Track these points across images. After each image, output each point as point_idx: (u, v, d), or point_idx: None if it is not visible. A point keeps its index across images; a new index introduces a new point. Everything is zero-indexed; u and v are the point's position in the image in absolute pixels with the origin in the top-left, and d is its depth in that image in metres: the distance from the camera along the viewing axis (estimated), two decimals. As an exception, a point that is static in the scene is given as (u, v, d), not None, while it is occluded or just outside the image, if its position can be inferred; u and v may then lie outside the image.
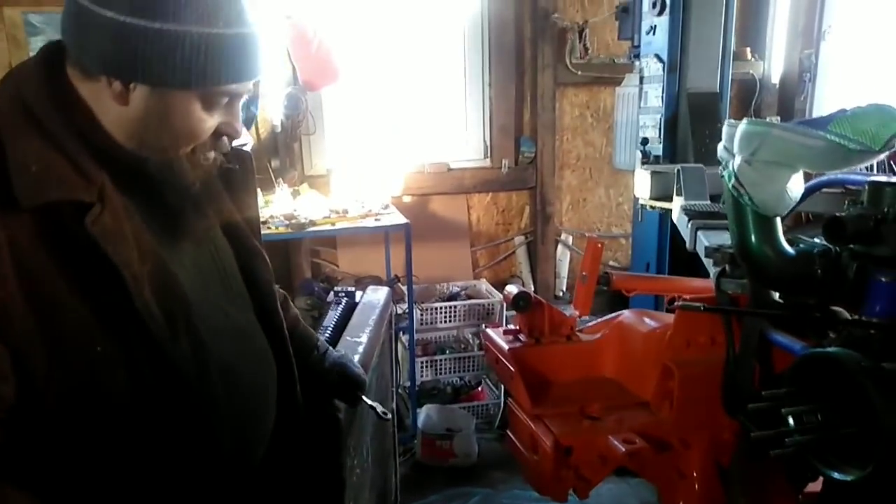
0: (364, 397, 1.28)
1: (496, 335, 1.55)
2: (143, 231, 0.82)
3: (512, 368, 1.42)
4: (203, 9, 0.75)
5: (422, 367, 2.93)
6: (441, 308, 2.95)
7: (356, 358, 1.43)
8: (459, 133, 3.42)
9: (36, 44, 2.79)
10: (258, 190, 1.17)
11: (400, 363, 2.98)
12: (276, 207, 2.68)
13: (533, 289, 3.46)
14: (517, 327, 1.53)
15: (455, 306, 2.97)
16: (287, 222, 2.53)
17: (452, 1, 3.26)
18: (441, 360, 2.97)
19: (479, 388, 3.05)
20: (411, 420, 2.78)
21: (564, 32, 3.34)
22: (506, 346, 1.47)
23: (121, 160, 0.81)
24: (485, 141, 3.41)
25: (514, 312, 1.55)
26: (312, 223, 2.56)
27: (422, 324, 2.92)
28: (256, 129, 3.05)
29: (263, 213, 2.63)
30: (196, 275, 0.89)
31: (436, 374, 2.98)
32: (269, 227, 2.53)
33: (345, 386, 1.24)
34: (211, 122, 0.83)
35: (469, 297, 3.09)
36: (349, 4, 3.15)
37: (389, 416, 1.30)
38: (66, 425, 0.76)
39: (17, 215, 0.72)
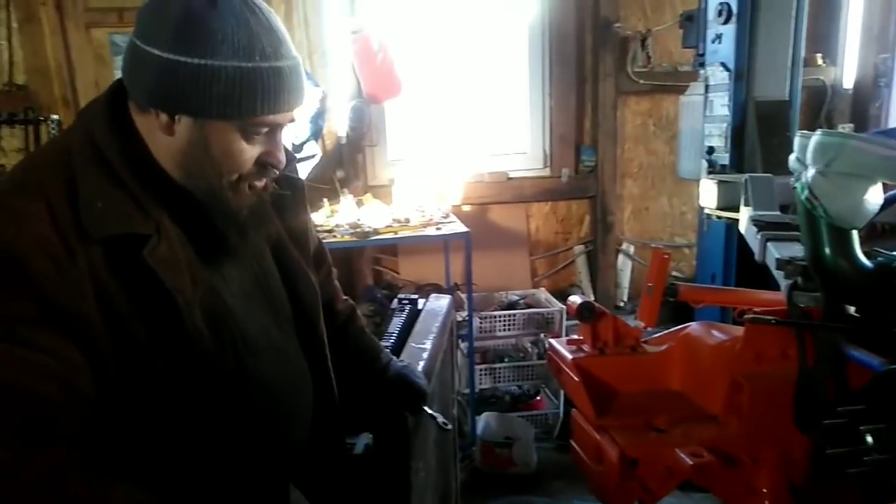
0: (426, 407, 1.31)
1: (560, 345, 1.56)
2: (195, 259, 0.88)
3: (576, 379, 1.43)
4: (239, 44, 0.80)
5: (480, 375, 2.95)
6: (500, 316, 2.97)
7: (420, 365, 1.46)
8: (519, 142, 3.44)
9: (119, 62, 2.97)
10: (309, 211, 1.19)
11: (459, 370, 3.01)
12: (342, 216, 2.75)
13: (593, 298, 3.43)
14: (581, 337, 1.54)
15: (514, 315, 2.98)
16: (351, 231, 2.60)
17: (514, 11, 3.29)
18: (500, 369, 2.98)
19: (538, 398, 3.04)
20: (470, 427, 2.80)
21: (626, 41, 3.32)
22: (569, 357, 1.49)
23: (172, 190, 0.87)
24: (545, 150, 3.42)
25: (575, 322, 1.57)
26: (376, 232, 2.62)
27: (481, 332, 2.94)
28: (323, 141, 3.15)
29: (329, 222, 2.72)
30: (242, 298, 0.95)
31: (494, 382, 3.00)
32: (334, 236, 2.60)
33: (408, 396, 1.27)
34: (251, 152, 0.87)
35: (528, 306, 3.09)
36: (413, 17, 3.22)
37: (450, 426, 1.32)
38: (125, 426, 0.84)
39: (92, 243, 0.80)
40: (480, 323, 2.94)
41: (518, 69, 3.36)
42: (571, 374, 1.47)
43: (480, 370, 2.95)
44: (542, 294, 3.21)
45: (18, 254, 0.75)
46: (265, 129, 0.87)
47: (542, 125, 3.39)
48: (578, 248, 3.55)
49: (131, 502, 0.79)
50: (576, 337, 1.56)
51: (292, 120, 0.90)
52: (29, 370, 0.74)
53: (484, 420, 2.79)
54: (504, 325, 2.98)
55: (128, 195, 0.83)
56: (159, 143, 0.85)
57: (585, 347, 1.51)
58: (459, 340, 2.84)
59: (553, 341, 1.60)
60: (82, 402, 0.78)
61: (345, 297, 1.35)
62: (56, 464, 0.73)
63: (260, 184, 0.91)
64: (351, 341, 1.30)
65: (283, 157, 0.92)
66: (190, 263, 0.87)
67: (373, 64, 2.99)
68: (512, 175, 3.39)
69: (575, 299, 1.54)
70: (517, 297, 3.17)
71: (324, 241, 2.54)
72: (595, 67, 3.34)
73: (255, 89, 0.82)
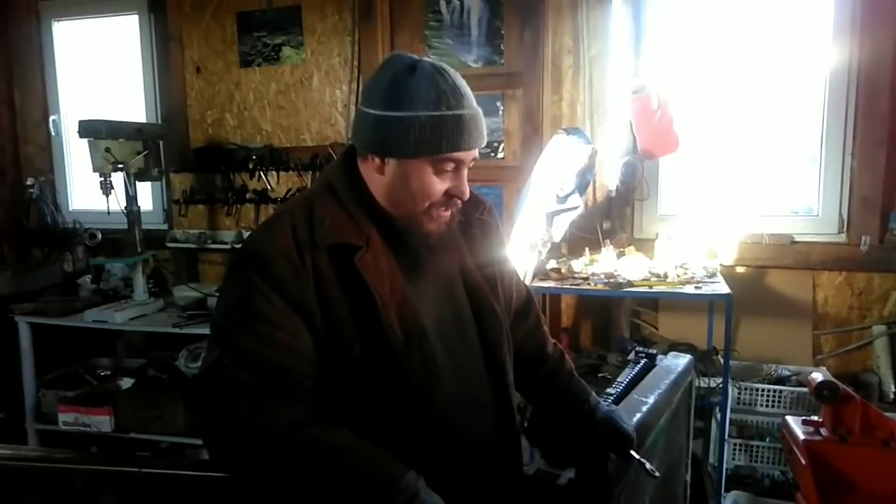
0: (633, 452, 1.34)
1: (795, 424, 1.45)
2: (396, 270, 1.12)
3: (803, 462, 1.32)
4: (430, 98, 1.06)
5: (734, 450, 2.73)
6: (763, 390, 2.73)
7: (637, 416, 1.49)
8: (808, 203, 3.14)
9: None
10: (500, 249, 1.37)
11: (713, 442, 2.83)
12: (600, 266, 2.85)
13: (893, 389, 2.92)
14: (821, 419, 1.41)
15: (780, 391, 2.71)
16: (606, 280, 2.68)
17: (810, 60, 3.05)
18: (759, 447, 2.73)
19: (805, 490, 2.70)
20: (715, 503, 2.61)
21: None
22: (802, 437, 1.37)
23: (382, 216, 1.14)
24: (840, 214, 3.05)
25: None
26: (630, 284, 2.66)
27: (738, 403, 2.73)
28: (593, 193, 3.29)
29: (587, 270, 2.84)
30: (434, 315, 1.16)
31: (751, 460, 2.75)
32: (589, 284, 2.72)
33: (613, 439, 1.32)
34: (441, 185, 1.11)
35: (800, 385, 2.77)
36: (697, 71, 3.20)
37: (658, 475, 1.33)
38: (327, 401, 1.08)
39: (319, 250, 1.09)
40: (739, 394, 2.74)
41: (811, 124, 3.08)
42: (800, 456, 1.36)
43: (735, 445, 2.74)
44: (823, 374, 2.84)
45: (270, 256, 1.08)
46: (451, 166, 1.11)
47: (838, 186, 3.04)
48: (878, 329, 3.06)
49: (353, 446, 1.01)
50: (815, 418, 1.43)
51: (475, 158, 1.13)
52: (277, 346, 1.04)
53: (732, 499, 2.58)
54: (767, 401, 2.73)
55: (348, 216, 1.13)
56: (374, 182, 1.14)
57: (823, 431, 1.38)
58: (716, 409, 2.69)
59: (789, 419, 1.49)
60: (312, 368, 1.07)
61: (553, 342, 1.47)
62: (300, 416, 1.01)
63: (446, 213, 1.15)
64: (560, 383, 1.40)
65: (466, 190, 1.15)
66: (391, 273, 1.12)
67: (651, 122, 3.04)
68: (797, 238, 3.10)
69: (816, 376, 1.42)
70: (789, 373, 2.87)
71: (578, 286, 2.68)
72: (915, 123, 2.90)
73: (441, 132, 1.06)
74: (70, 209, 4.23)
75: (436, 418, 1.13)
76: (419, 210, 1.13)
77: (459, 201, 1.16)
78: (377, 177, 1.14)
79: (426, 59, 1.12)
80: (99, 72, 4.11)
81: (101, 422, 3.11)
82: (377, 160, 1.12)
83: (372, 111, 1.10)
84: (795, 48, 3.08)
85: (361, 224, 1.13)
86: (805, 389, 2.72)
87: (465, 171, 1.15)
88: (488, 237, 1.31)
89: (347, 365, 1.09)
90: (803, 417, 1.44)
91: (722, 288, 2.60)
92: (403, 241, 1.17)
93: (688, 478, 2.07)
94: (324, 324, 1.08)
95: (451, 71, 1.11)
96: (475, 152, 1.14)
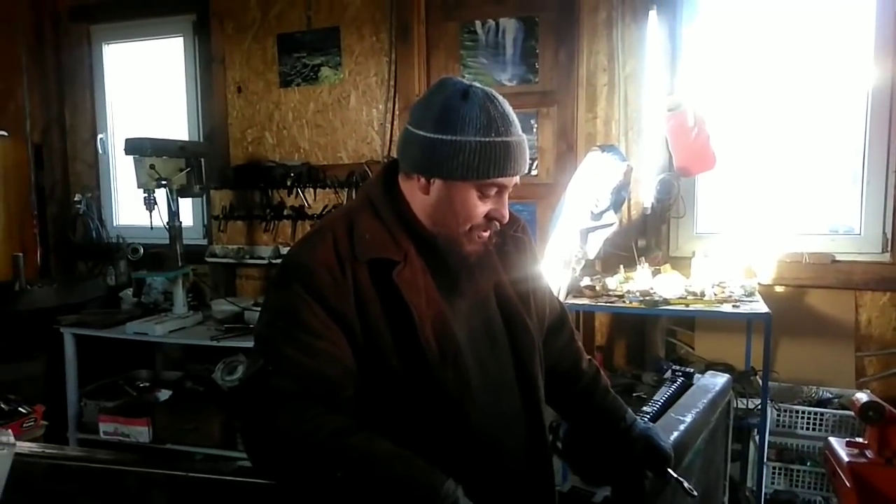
0: (670, 470, 1.33)
1: (839, 446, 1.42)
2: (432, 286, 1.14)
3: (848, 485, 1.29)
4: (480, 125, 1.09)
5: (774, 474, 2.67)
6: (803, 412, 2.66)
7: (674, 435, 1.48)
8: (850, 222, 3.08)
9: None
10: (535, 267, 1.38)
11: (752, 465, 2.77)
12: (635, 284, 2.83)
13: (942, 415, 2.82)
14: (866, 441, 1.38)
15: (822, 414, 2.64)
16: (641, 298, 2.66)
17: (851, 76, 3.00)
18: (799, 471, 2.66)
19: (848, 517, 2.61)
20: (755, 528, 2.56)
21: None
22: (846, 459, 1.34)
23: (422, 234, 1.16)
24: (884, 233, 2.98)
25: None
26: (666, 302, 2.63)
27: (778, 425, 2.67)
28: (629, 210, 3.28)
29: (622, 288, 2.82)
30: (467, 330, 1.17)
31: (791, 484, 2.68)
32: (623, 302, 2.70)
33: (650, 457, 1.32)
34: (483, 208, 1.13)
35: (843, 407, 2.70)
36: (735, 88, 3.18)
37: (696, 494, 1.31)
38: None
39: (359, 264, 1.12)
40: (778, 415, 2.68)
41: (853, 140, 3.03)
42: (845, 478, 1.33)
43: (774, 468, 2.67)
44: (866, 397, 2.76)
45: (312, 269, 1.11)
46: (494, 190, 1.14)
47: (882, 204, 2.97)
48: (927, 352, 2.97)
49: (394, 455, 1.03)
50: (860, 440, 1.40)
51: (516, 183, 1.15)
52: (321, 357, 1.07)
53: (772, 524, 2.52)
54: (808, 423, 2.66)
55: (388, 232, 1.16)
56: (417, 201, 1.17)
57: (868, 453, 1.35)
58: (755, 431, 2.64)
59: (833, 440, 1.46)
60: (352, 378, 1.09)
61: (588, 358, 1.47)
62: (341, 425, 1.03)
63: (486, 234, 1.17)
64: (596, 400, 1.40)
65: (506, 214, 1.17)
66: (427, 289, 1.14)
67: (687, 139, 3.03)
68: (839, 258, 3.03)
69: (861, 396, 1.39)
70: (831, 396, 2.79)
71: (612, 304, 2.67)
72: (961, 141, 2.83)
73: (489, 157, 1.09)
74: (114, 224, 4.37)
75: (469, 430, 1.14)
76: (460, 231, 1.16)
77: (498, 224, 1.18)
78: (421, 196, 1.17)
79: (476, 84, 1.14)
80: (145, 92, 4.27)
81: (140, 432, 3.18)
82: (423, 180, 1.15)
83: (422, 132, 1.12)
84: (835, 63, 3.04)
85: (400, 240, 1.16)
86: (848, 412, 2.66)
87: (507, 196, 1.17)
88: (522, 253, 1.33)
89: (385, 376, 1.12)
90: (847, 439, 1.40)
91: (760, 307, 2.56)
92: (441, 259, 1.19)
93: (726, 500, 2.04)
94: (363, 335, 1.11)
95: (501, 98, 1.14)
96: (518, 178, 1.16)
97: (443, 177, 1.12)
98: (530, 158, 3.52)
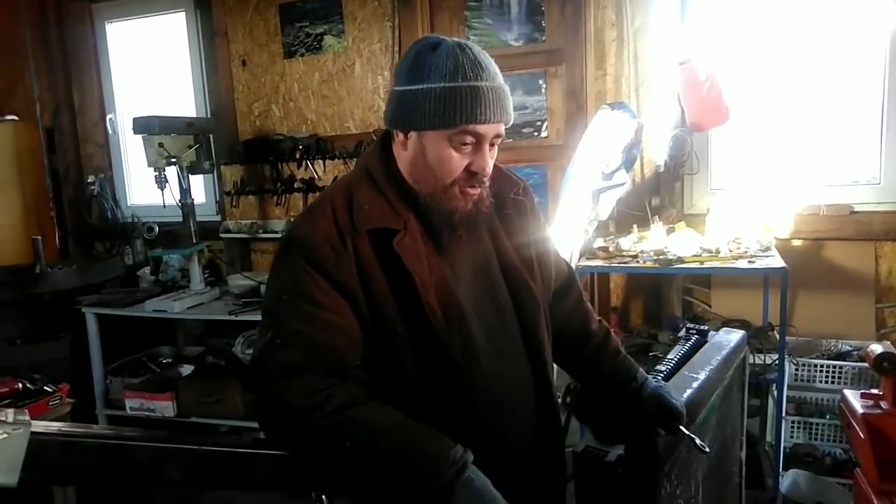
0: (682, 428, 1.33)
1: (853, 397, 1.41)
2: (433, 253, 1.13)
3: (862, 436, 1.28)
4: (445, 70, 1.06)
5: (793, 428, 2.67)
6: (821, 366, 2.64)
7: (687, 392, 1.47)
8: (869, 172, 3.00)
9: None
10: (538, 230, 1.35)
11: (771, 420, 2.77)
12: (649, 243, 2.80)
13: (964, 363, 2.79)
14: (881, 392, 1.36)
15: (841, 367, 2.62)
16: (655, 257, 2.64)
17: (869, 19, 2.89)
18: (818, 425, 2.65)
19: (869, 468, 2.61)
20: (774, 482, 2.56)
21: None
22: (860, 411, 1.33)
23: (417, 199, 1.14)
24: (905, 181, 2.92)
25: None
26: (680, 260, 2.61)
27: (796, 380, 2.66)
28: (641, 169, 3.23)
29: (635, 248, 2.80)
30: (472, 296, 1.17)
31: (810, 438, 2.67)
32: (637, 262, 2.68)
33: (662, 415, 1.31)
34: (460, 161, 1.10)
35: (861, 360, 2.67)
36: (748, 39, 3.09)
37: (708, 450, 1.31)
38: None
39: (360, 235, 1.11)
40: (796, 370, 2.66)
41: (871, 88, 2.94)
42: (859, 429, 1.32)
43: (793, 422, 2.67)
44: (882, 346, 2.73)
45: (313, 242, 1.11)
46: (469, 139, 1.10)
47: (902, 152, 2.90)
48: (949, 301, 2.92)
49: (401, 423, 1.05)
50: (875, 391, 1.38)
51: (498, 135, 1.11)
52: (326, 327, 1.07)
53: (791, 478, 2.52)
54: (826, 377, 2.64)
55: (386, 201, 1.15)
56: (401, 159, 1.16)
57: (883, 404, 1.34)
58: (773, 386, 2.63)
59: (848, 392, 1.45)
60: (359, 348, 1.10)
61: (598, 319, 1.46)
62: (350, 396, 1.04)
63: (473, 190, 1.13)
64: (607, 361, 1.40)
65: (487, 166, 1.13)
66: (429, 256, 1.13)
67: (699, 93, 2.96)
68: (857, 209, 2.97)
69: (875, 348, 1.38)
70: (850, 348, 2.77)
71: (626, 265, 2.66)
72: None
73: (455, 103, 1.06)
74: (128, 204, 4.41)
75: (476, 396, 1.14)
76: (441, 186, 1.13)
77: (486, 179, 1.15)
78: (402, 154, 1.16)
79: (456, 39, 1.12)
80: (150, 69, 4.25)
81: (165, 407, 3.26)
82: (401, 135, 1.14)
83: (397, 88, 1.13)
84: (853, 7, 2.93)
85: (399, 208, 1.15)
86: (867, 364, 2.64)
87: (487, 147, 1.13)
88: (524, 217, 1.30)
89: (391, 345, 1.12)
90: (862, 391, 1.39)
91: (777, 262, 2.53)
92: (425, 216, 1.18)
93: (743, 455, 2.04)
94: (367, 305, 1.11)
95: (476, 48, 1.11)
96: (498, 128, 1.11)
97: (413, 127, 1.11)
98: (539, 121, 3.48)
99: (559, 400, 1.43)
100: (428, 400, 1.12)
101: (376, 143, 1.23)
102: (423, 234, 1.16)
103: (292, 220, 3.75)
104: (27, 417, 0.89)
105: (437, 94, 1.06)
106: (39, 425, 0.91)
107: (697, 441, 1.34)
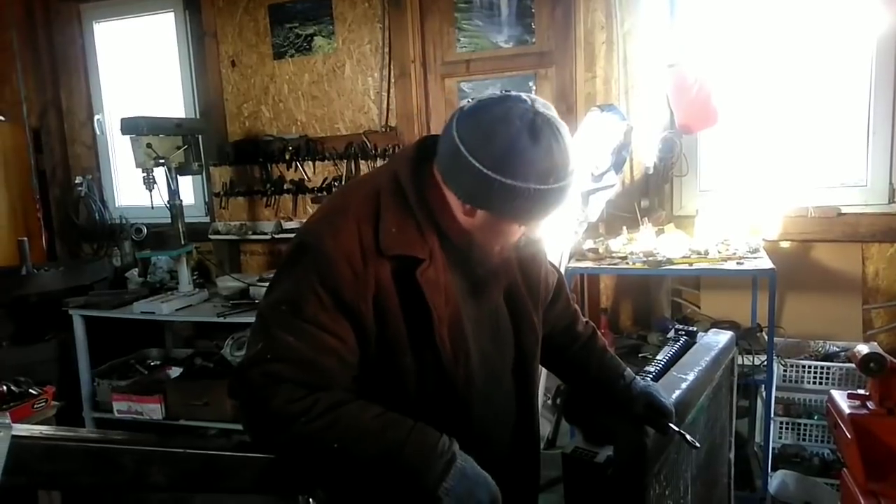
0: (672, 425, 1.33)
1: (840, 398, 1.42)
2: (452, 284, 1.12)
3: (849, 436, 1.29)
4: (542, 170, 1.02)
5: (781, 429, 2.68)
6: (809, 367, 2.66)
7: (676, 393, 1.47)
8: (856, 174, 3.03)
9: (461, 102, 3.50)
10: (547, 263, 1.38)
11: (759, 420, 2.78)
12: (638, 245, 2.81)
13: (950, 364, 2.81)
14: (867, 393, 1.37)
15: (828, 368, 2.64)
16: (644, 259, 2.64)
17: (855, 24, 2.92)
18: (806, 426, 2.67)
19: (856, 468, 2.63)
20: (762, 483, 2.57)
21: None
22: (847, 411, 1.34)
23: (447, 233, 1.13)
24: (891, 183, 2.94)
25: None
26: (669, 262, 2.62)
27: (784, 381, 2.67)
28: (631, 171, 3.24)
29: (624, 249, 2.80)
30: (476, 325, 1.17)
31: (799, 439, 2.69)
32: (626, 263, 2.68)
33: (652, 413, 1.32)
34: (519, 233, 1.12)
35: (849, 361, 2.69)
36: (735, 42, 3.11)
37: (698, 446, 1.31)
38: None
39: (383, 259, 1.08)
40: (784, 371, 2.67)
41: (858, 91, 2.96)
42: (846, 430, 1.32)
43: (781, 423, 2.68)
44: (869, 347, 2.75)
45: (332, 258, 1.06)
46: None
47: (888, 155, 2.92)
48: (934, 302, 2.95)
49: (385, 419, 1.05)
50: (861, 392, 1.39)
51: None
52: (320, 348, 1.05)
53: (780, 478, 2.54)
54: (814, 378, 2.66)
55: (415, 225, 1.11)
56: (457, 215, 1.12)
57: (870, 404, 1.35)
58: (762, 387, 2.64)
59: (835, 393, 1.45)
60: (351, 371, 1.09)
61: (585, 320, 1.46)
62: (336, 397, 1.04)
63: (512, 252, 1.16)
64: (594, 360, 1.40)
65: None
66: (447, 288, 1.12)
67: (688, 96, 2.98)
68: (844, 210, 2.99)
69: (862, 348, 1.38)
70: (838, 349, 2.79)
71: (616, 266, 2.67)
72: (970, 85, 2.76)
73: (544, 204, 1.05)
74: (116, 205, 4.37)
75: (469, 424, 1.15)
76: (496, 252, 1.15)
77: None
78: (462, 216, 1.12)
79: (542, 111, 1.05)
80: (139, 70, 4.22)
81: (153, 409, 3.23)
82: (468, 206, 1.09)
83: (478, 164, 1.03)
84: (840, 12, 2.95)
85: (427, 233, 1.11)
86: (854, 365, 2.65)
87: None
88: (538, 254, 1.31)
89: (395, 370, 1.11)
90: (849, 392, 1.40)
91: (765, 263, 2.54)
92: (463, 257, 1.17)
93: (732, 456, 2.05)
94: (377, 330, 1.09)
95: (565, 130, 1.07)
96: None
97: (493, 213, 1.08)
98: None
99: (549, 402, 1.44)
100: (425, 416, 1.11)
101: (411, 154, 1.16)
102: (445, 264, 1.14)
103: (282, 221, 3.74)
104: (8, 420, 0.88)
105: (531, 194, 1.03)
106: (21, 428, 0.89)
107: (688, 437, 1.34)
